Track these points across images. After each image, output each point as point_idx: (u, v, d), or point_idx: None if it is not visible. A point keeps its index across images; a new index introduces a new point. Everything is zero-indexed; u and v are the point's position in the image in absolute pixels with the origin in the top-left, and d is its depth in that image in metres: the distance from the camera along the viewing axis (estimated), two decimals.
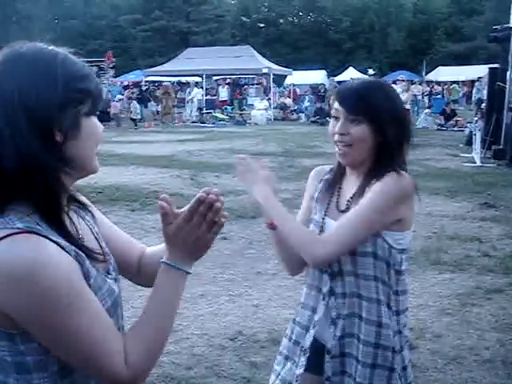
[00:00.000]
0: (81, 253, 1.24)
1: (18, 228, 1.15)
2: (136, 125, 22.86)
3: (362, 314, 1.96)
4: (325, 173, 2.15)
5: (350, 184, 2.03)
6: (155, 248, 1.56)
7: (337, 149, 1.97)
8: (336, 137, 1.95)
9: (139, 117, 23.76)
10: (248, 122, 24.80)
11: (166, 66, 30.18)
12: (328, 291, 2.01)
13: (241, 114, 26.49)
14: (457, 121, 21.13)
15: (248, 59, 28.46)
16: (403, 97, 19.79)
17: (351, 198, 1.99)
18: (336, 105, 1.95)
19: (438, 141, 17.09)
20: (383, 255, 1.91)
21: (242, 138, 18.16)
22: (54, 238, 1.18)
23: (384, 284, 1.94)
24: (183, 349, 4.16)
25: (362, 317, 1.96)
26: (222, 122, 24.79)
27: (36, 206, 1.20)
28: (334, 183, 2.08)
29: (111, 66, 28.73)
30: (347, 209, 1.98)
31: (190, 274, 1.32)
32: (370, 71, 26.52)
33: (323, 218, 2.04)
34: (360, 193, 1.94)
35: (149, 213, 8.07)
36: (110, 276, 1.35)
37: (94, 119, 1.30)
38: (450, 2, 52.23)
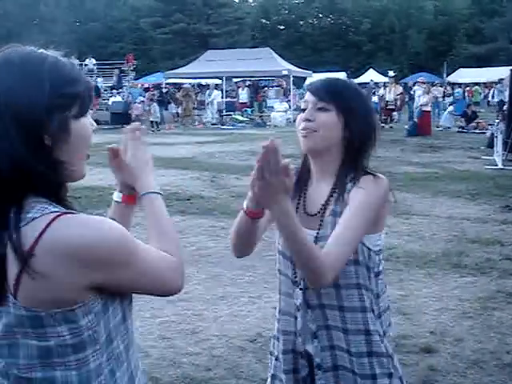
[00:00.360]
0: None
1: (55, 211, 1.22)
2: (158, 127, 22.96)
3: (346, 327, 1.88)
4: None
5: (319, 185, 1.93)
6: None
7: (300, 134, 1.88)
8: (302, 124, 1.87)
9: (159, 119, 23.86)
10: (268, 123, 24.81)
11: (187, 69, 30.30)
12: (302, 304, 1.93)
13: (260, 116, 26.51)
14: (478, 123, 20.95)
15: (268, 61, 28.47)
16: (424, 99, 19.72)
17: (326, 202, 1.88)
18: (306, 96, 1.90)
19: (459, 143, 16.95)
20: (363, 260, 1.86)
21: (262, 140, 18.06)
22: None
23: (367, 290, 1.88)
24: (203, 350, 4.18)
25: (348, 329, 1.88)
26: (241, 124, 24.82)
27: (49, 199, 1.26)
28: (299, 184, 1.95)
29: (132, 68, 28.93)
30: (319, 213, 1.88)
31: (162, 194, 1.54)
32: (391, 73, 26.35)
33: None
34: (339, 197, 1.84)
35: (169, 214, 8.09)
36: None
37: (84, 120, 1.31)
38: (471, 3, 51.86)
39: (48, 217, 1.20)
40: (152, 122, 23.02)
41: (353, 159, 1.86)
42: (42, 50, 1.29)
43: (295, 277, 1.94)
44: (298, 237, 1.65)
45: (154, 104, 24.10)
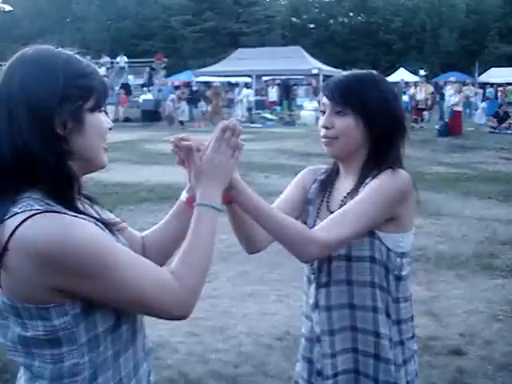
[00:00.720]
0: (99, 223, 1.32)
1: (37, 209, 1.22)
2: (182, 125, 23.09)
3: (356, 325, 1.84)
4: (320, 173, 2.02)
5: (344, 183, 1.91)
6: (152, 229, 1.66)
7: (322, 140, 1.86)
8: (322, 131, 1.85)
9: (186, 118, 23.99)
10: (297, 122, 24.78)
11: (217, 67, 30.46)
12: (313, 304, 1.91)
13: (290, 115, 26.48)
14: (510, 123, 20.67)
15: (298, 60, 28.48)
16: (455, 98, 19.50)
17: (344, 197, 1.86)
18: (323, 99, 1.86)
19: (491, 144, 16.73)
20: (381, 259, 1.80)
21: (291, 139, 18.16)
22: (72, 214, 1.26)
23: (382, 290, 1.82)
24: (231, 347, 4.21)
25: (357, 327, 1.84)
26: (271, 123, 24.82)
27: (49, 193, 1.27)
28: (327, 183, 1.95)
29: (163, 66, 29.12)
30: (341, 207, 1.82)
31: (221, 211, 1.43)
32: (422, 72, 26.12)
33: (315, 221, 1.90)
34: (354, 191, 1.82)
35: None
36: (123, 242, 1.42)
37: (99, 115, 1.35)
38: (503, 3, 51.03)
39: (26, 214, 1.21)
40: (180, 120, 23.17)
41: (376, 156, 1.82)
42: (59, 48, 1.35)
43: (312, 273, 1.92)
44: (261, 210, 1.64)
45: (183, 102, 24.24)
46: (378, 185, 1.75)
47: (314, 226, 1.84)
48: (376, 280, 1.81)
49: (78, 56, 1.36)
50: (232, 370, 3.88)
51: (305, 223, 1.91)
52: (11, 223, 1.20)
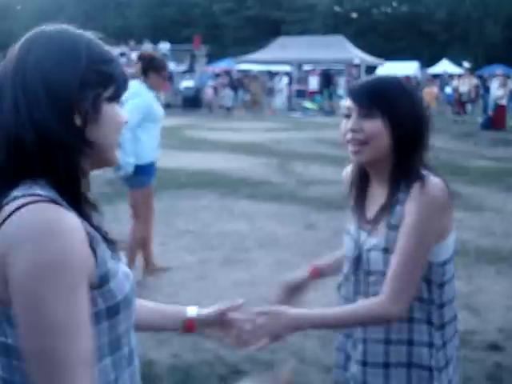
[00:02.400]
0: (97, 234, 1.17)
1: (38, 195, 1.11)
2: (229, 112, 23.21)
3: (390, 337, 1.81)
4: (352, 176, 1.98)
5: (377, 190, 1.87)
6: (145, 302, 1.57)
7: (350, 147, 1.80)
8: (349, 135, 1.79)
9: (231, 104, 24.09)
10: (337, 112, 24.64)
11: (257, 55, 30.40)
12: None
13: (330, 104, 26.34)
14: None
15: (339, 49, 28.25)
16: (499, 92, 19.14)
17: (379, 211, 1.82)
18: (348, 102, 1.81)
19: None
20: (423, 274, 1.76)
21: (331, 128, 18.05)
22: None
23: (422, 302, 1.79)
24: None
25: (391, 339, 1.81)
26: (311, 112, 24.75)
27: (56, 184, 1.15)
28: (360, 190, 1.92)
29: (204, 53, 29.19)
30: (374, 221, 1.82)
31: None
32: (465, 64, 25.67)
33: (359, 233, 1.87)
34: (387, 207, 1.79)
35: (237, 198, 8.22)
36: (122, 261, 1.28)
37: (117, 107, 1.25)
38: None
39: (26, 199, 1.10)
40: (224, 107, 23.28)
41: (403, 163, 1.78)
42: (80, 30, 1.24)
43: (352, 271, 1.90)
44: (334, 323, 1.80)
45: (227, 89, 24.30)
46: (417, 221, 1.71)
47: (357, 235, 1.88)
48: (419, 294, 1.78)
49: (98, 40, 1.25)
50: (268, 356, 3.92)
51: (346, 230, 1.95)
52: (8, 208, 1.10)
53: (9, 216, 1.08)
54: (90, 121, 1.17)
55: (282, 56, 28.62)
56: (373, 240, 1.81)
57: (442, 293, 1.82)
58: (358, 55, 28.51)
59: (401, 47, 46.66)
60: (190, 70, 28.39)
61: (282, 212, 7.47)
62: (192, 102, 24.50)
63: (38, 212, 1.08)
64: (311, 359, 3.87)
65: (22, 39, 1.20)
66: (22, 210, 1.08)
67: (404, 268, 1.71)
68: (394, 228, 1.76)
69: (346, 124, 1.80)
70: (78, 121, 1.16)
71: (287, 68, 29.17)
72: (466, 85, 21.65)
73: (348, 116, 1.80)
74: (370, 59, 29.96)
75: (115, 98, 1.23)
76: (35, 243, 1.04)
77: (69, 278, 1.05)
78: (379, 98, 1.76)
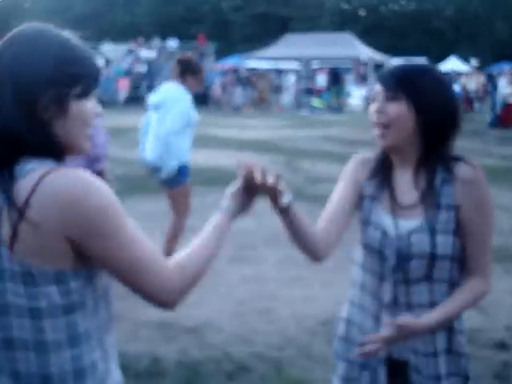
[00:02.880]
0: None
1: (51, 166, 1.26)
2: (237, 109, 23.20)
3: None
4: (370, 164, 1.95)
5: (402, 176, 1.86)
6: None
7: (375, 131, 1.82)
8: (373, 117, 1.81)
9: (241, 102, 24.09)
10: (344, 109, 24.62)
11: (265, 52, 30.38)
12: (391, 300, 1.85)
13: (337, 102, 26.31)
14: None
15: (347, 46, 28.21)
16: (507, 90, 19.06)
17: (423, 193, 1.81)
18: (377, 87, 1.83)
19: None
20: (458, 256, 1.82)
21: (338, 126, 18.07)
22: None
23: (453, 285, 1.84)
24: (275, 329, 4.27)
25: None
26: (318, 109, 24.73)
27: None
28: (384, 176, 1.90)
29: (212, 50, 29.18)
30: (414, 206, 1.81)
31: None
32: (473, 61, 25.56)
33: (394, 220, 1.84)
34: (430, 188, 1.80)
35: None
36: None
37: (86, 102, 1.34)
38: None
39: (45, 169, 1.24)
40: (232, 104, 23.30)
41: (433, 147, 1.80)
42: (57, 30, 1.35)
43: (388, 270, 1.86)
44: (452, 317, 1.82)
45: (237, 87, 24.30)
46: (484, 201, 1.80)
47: (391, 225, 1.84)
48: (454, 276, 1.84)
49: (75, 39, 1.35)
50: (276, 353, 3.94)
51: (366, 221, 1.91)
52: (31, 178, 1.23)
53: (38, 183, 1.22)
54: (56, 116, 1.29)
55: (289, 53, 28.62)
56: (411, 223, 1.81)
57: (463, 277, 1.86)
58: (366, 52, 28.46)
59: (409, 44, 46.46)
60: None
61: None
62: (199, 98, 24.50)
63: (69, 174, 1.24)
64: (318, 356, 3.87)
65: (7, 36, 1.31)
66: (51, 175, 1.23)
67: (487, 244, 1.81)
68: (446, 208, 1.78)
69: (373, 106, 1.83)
70: (42, 115, 1.27)
71: (295, 65, 29.14)
72: (473, 82, 21.59)
73: (375, 100, 1.83)
74: (377, 56, 29.90)
75: (83, 95, 1.33)
76: (88, 194, 1.23)
77: (120, 208, 1.29)
78: (405, 82, 1.77)
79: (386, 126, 1.78)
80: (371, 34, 46.93)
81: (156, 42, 30.00)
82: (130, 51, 28.01)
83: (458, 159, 1.82)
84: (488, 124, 18.33)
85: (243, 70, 29.16)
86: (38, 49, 1.28)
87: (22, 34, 1.31)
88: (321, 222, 1.92)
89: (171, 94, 5.12)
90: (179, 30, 43.84)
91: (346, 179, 1.98)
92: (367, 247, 1.91)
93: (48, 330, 1.28)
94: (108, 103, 18.37)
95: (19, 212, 1.21)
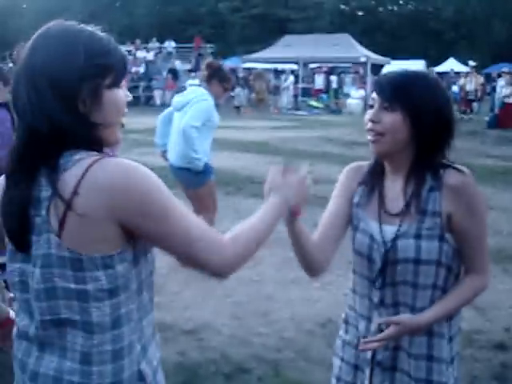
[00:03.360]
0: None
1: (97, 155, 1.32)
2: (239, 111, 23.19)
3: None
4: (363, 171, 1.97)
5: (393, 184, 1.88)
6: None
7: (368, 137, 1.82)
8: (368, 125, 1.81)
9: (243, 104, 24.09)
10: (343, 110, 24.62)
11: (263, 53, 30.36)
12: (379, 301, 1.89)
13: (336, 103, 26.31)
14: None
15: (346, 47, 28.20)
16: (507, 90, 19.07)
17: (410, 199, 1.82)
18: (373, 93, 1.83)
19: None
20: (446, 261, 1.81)
21: (337, 127, 18.07)
22: None
23: (443, 292, 1.84)
24: (273, 331, 4.25)
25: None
26: (317, 110, 24.73)
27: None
28: (374, 184, 1.92)
29: (210, 52, 29.19)
30: (402, 213, 1.82)
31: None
32: (471, 63, 25.56)
33: (380, 225, 1.86)
34: (418, 194, 1.81)
35: (243, 197, 8.22)
36: None
37: (117, 90, 1.40)
38: None
39: (92, 158, 1.30)
40: (236, 106, 23.30)
41: (426, 156, 1.80)
42: (81, 25, 1.40)
43: (375, 274, 1.89)
44: (451, 312, 1.87)
45: (238, 88, 24.29)
46: (477, 204, 1.85)
47: (377, 230, 1.86)
48: (439, 283, 1.83)
49: (99, 33, 1.40)
50: (274, 355, 3.93)
51: (356, 227, 1.94)
52: (79, 168, 1.28)
53: (85, 172, 1.27)
54: (93, 107, 1.34)
55: (288, 54, 28.57)
56: (396, 229, 1.82)
57: (454, 283, 1.87)
58: (364, 53, 28.42)
59: (407, 45, 46.53)
60: (196, 69, 28.40)
61: None
62: None
63: (115, 162, 1.31)
64: (316, 358, 3.86)
65: (31, 39, 1.35)
66: (98, 164, 1.28)
67: (483, 245, 1.88)
68: (432, 214, 1.79)
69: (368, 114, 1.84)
70: (82, 108, 1.33)
71: (293, 66, 29.12)
72: (472, 83, 21.59)
73: (372, 107, 1.83)
74: (376, 57, 29.86)
75: (115, 84, 1.39)
76: (135, 179, 1.29)
77: (165, 188, 1.35)
78: (401, 93, 1.76)
79: (380, 134, 1.79)
80: (370, 35, 46.96)
81: (154, 43, 30.03)
82: (128, 52, 28.01)
83: (447, 166, 1.81)
84: (486, 125, 18.32)
85: (241, 71, 29.18)
86: (68, 45, 1.33)
87: (49, 32, 1.35)
88: (317, 236, 1.96)
89: (195, 95, 5.22)
90: (177, 31, 43.84)
91: (339, 188, 2.02)
92: (357, 252, 1.95)
93: (94, 312, 1.34)
94: None
95: (66, 202, 1.27)
